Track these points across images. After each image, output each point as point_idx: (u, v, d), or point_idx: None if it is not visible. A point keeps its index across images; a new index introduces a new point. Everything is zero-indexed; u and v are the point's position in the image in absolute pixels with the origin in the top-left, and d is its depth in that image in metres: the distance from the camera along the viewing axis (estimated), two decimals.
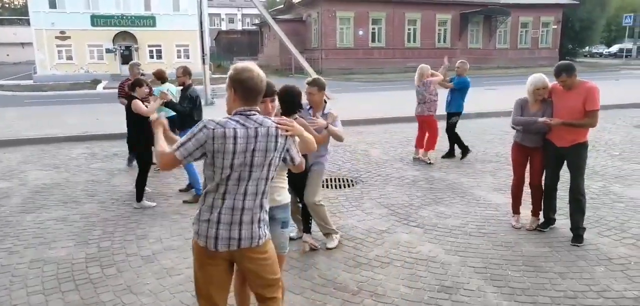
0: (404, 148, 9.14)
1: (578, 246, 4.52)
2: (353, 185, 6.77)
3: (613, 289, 3.74)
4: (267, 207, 2.50)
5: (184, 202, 6.09)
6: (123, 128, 6.44)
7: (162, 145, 2.45)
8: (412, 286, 3.85)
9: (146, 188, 6.45)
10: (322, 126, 4.06)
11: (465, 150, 8.12)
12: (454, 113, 8.03)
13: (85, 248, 4.72)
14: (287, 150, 2.51)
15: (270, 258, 2.52)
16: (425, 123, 7.86)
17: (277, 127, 2.38)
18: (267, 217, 2.50)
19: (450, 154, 8.18)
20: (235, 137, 2.25)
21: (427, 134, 7.89)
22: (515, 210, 5.12)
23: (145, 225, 5.32)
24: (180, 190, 6.46)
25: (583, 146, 4.51)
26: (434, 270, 4.12)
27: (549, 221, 4.93)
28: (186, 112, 6.15)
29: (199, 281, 2.50)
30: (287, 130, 2.44)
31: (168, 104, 6.05)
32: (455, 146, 8.19)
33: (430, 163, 7.78)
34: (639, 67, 33.33)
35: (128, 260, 4.44)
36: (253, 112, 2.35)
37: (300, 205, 4.63)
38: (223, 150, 2.25)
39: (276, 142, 2.37)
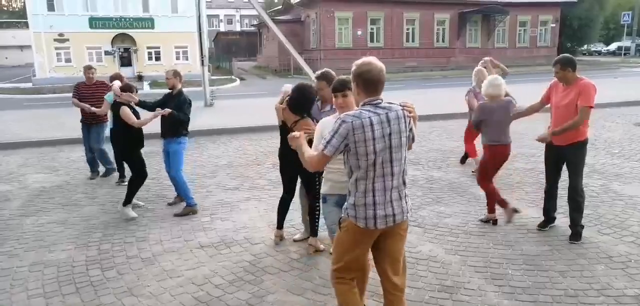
0: None
1: (576, 243, 4.53)
2: None
3: (613, 287, 3.74)
4: (407, 182, 2.75)
5: (175, 215, 5.66)
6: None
7: (308, 151, 2.73)
8: (413, 286, 3.85)
9: (138, 202, 6.01)
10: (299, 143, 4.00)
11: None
12: None
13: (85, 250, 4.72)
14: (411, 129, 2.73)
15: (405, 238, 2.84)
16: None
17: (403, 109, 2.64)
18: (408, 192, 2.76)
19: None
20: (372, 125, 2.51)
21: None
22: (503, 204, 5.06)
23: (145, 227, 5.32)
24: (169, 204, 6.05)
25: (581, 144, 4.49)
26: (434, 269, 4.13)
27: (549, 220, 4.93)
28: (186, 119, 5.70)
29: (344, 256, 2.77)
30: (410, 112, 2.68)
31: (171, 113, 5.59)
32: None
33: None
34: (637, 65, 33.32)
35: (128, 262, 4.44)
36: (379, 100, 2.60)
37: (315, 206, 4.52)
38: (364, 139, 2.50)
39: (405, 123, 2.63)
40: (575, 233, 4.60)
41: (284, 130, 4.36)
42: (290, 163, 4.32)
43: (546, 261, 4.20)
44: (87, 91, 7.32)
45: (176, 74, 5.82)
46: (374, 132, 2.51)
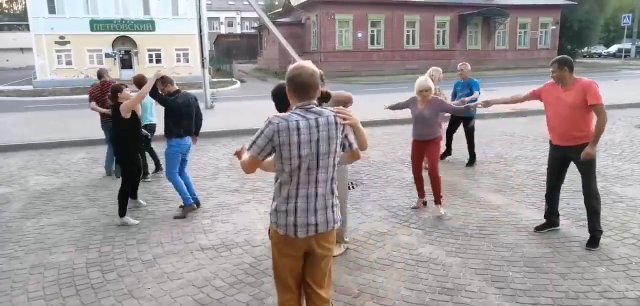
0: (404, 150, 9.14)
1: (592, 250, 4.39)
2: (353, 187, 6.76)
3: (614, 289, 3.74)
4: (337, 192, 2.66)
5: (175, 217, 5.67)
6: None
7: (243, 157, 2.63)
8: (413, 288, 3.85)
9: (141, 201, 6.13)
10: None
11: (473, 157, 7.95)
12: (473, 117, 7.84)
13: (86, 253, 4.72)
14: (346, 136, 2.66)
15: (333, 251, 2.73)
16: None
17: (335, 115, 2.54)
18: (338, 202, 2.67)
19: (473, 159, 7.89)
20: (298, 129, 2.43)
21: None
22: (419, 194, 5.83)
23: (145, 229, 5.32)
24: (181, 206, 5.92)
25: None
26: (435, 271, 4.12)
27: (550, 223, 4.88)
28: (172, 105, 5.55)
29: (278, 268, 2.69)
30: (344, 119, 2.59)
31: (157, 88, 5.55)
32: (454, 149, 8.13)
33: None
34: (638, 67, 33.33)
35: (129, 264, 4.44)
36: (311, 105, 2.51)
37: None
38: (288, 142, 2.43)
39: (336, 129, 2.53)
40: (594, 239, 4.45)
41: None
42: None
43: (547, 264, 4.19)
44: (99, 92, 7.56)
45: (165, 81, 5.64)
46: (300, 136, 2.43)
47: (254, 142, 2.49)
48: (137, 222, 5.53)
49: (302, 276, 2.71)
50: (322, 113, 2.51)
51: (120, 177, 5.62)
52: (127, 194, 5.53)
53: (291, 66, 2.57)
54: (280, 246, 2.61)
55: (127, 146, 5.45)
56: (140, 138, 5.78)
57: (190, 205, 5.77)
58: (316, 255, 2.63)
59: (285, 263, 2.64)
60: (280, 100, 4.35)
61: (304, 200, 2.52)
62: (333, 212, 2.61)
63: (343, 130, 2.60)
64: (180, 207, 5.86)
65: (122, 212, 5.47)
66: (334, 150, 2.54)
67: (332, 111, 2.56)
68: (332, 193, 2.61)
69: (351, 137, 2.70)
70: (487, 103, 5.28)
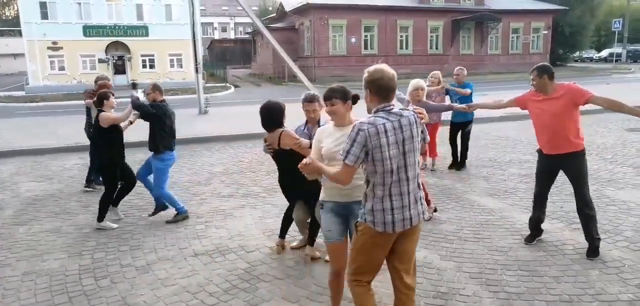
0: None
1: (593, 259, 4.31)
2: None
3: (608, 292, 3.76)
4: (421, 184, 2.85)
5: (167, 222, 5.62)
6: None
7: (330, 170, 2.77)
8: None
9: (119, 213, 5.91)
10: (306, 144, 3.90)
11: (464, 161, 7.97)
12: (471, 121, 7.93)
13: (78, 259, 4.68)
14: (422, 131, 2.86)
15: (418, 240, 2.94)
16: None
17: (414, 114, 2.74)
18: (423, 193, 2.85)
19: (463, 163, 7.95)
20: (386, 132, 2.59)
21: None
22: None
23: (139, 235, 5.28)
24: (149, 215, 5.83)
25: (579, 154, 4.34)
26: (429, 275, 4.13)
27: (536, 233, 4.74)
28: (152, 114, 5.44)
29: (360, 259, 2.85)
30: (422, 119, 2.84)
31: (139, 108, 5.48)
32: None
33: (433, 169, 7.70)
34: (628, 71, 33.67)
35: (122, 271, 4.41)
36: (391, 106, 2.68)
37: (309, 219, 4.53)
38: (379, 145, 2.58)
39: (416, 127, 2.72)
40: (593, 248, 4.36)
41: (280, 158, 4.29)
42: (295, 192, 4.42)
43: (541, 267, 4.21)
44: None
45: (155, 87, 5.70)
46: (388, 138, 2.58)
47: (348, 152, 2.60)
48: (115, 226, 5.53)
49: (390, 265, 2.92)
50: (402, 114, 2.68)
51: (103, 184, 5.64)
52: (108, 202, 5.57)
53: (371, 69, 2.72)
54: (376, 240, 2.76)
55: (107, 154, 5.50)
56: (122, 148, 5.69)
57: (183, 213, 5.73)
58: (404, 245, 2.83)
59: (377, 255, 2.83)
60: (269, 116, 4.19)
61: (399, 198, 2.68)
62: (421, 204, 2.80)
63: (421, 126, 2.80)
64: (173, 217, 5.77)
65: (100, 217, 5.50)
66: (416, 147, 2.73)
67: (412, 111, 2.74)
68: (418, 187, 2.79)
69: (426, 131, 2.96)
70: (470, 108, 5.44)
